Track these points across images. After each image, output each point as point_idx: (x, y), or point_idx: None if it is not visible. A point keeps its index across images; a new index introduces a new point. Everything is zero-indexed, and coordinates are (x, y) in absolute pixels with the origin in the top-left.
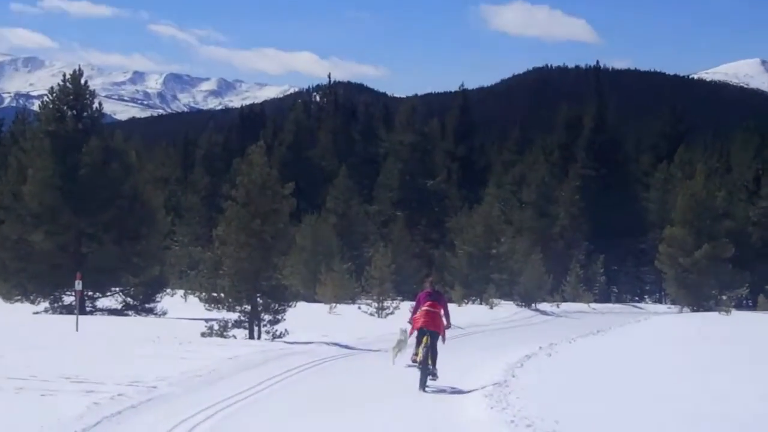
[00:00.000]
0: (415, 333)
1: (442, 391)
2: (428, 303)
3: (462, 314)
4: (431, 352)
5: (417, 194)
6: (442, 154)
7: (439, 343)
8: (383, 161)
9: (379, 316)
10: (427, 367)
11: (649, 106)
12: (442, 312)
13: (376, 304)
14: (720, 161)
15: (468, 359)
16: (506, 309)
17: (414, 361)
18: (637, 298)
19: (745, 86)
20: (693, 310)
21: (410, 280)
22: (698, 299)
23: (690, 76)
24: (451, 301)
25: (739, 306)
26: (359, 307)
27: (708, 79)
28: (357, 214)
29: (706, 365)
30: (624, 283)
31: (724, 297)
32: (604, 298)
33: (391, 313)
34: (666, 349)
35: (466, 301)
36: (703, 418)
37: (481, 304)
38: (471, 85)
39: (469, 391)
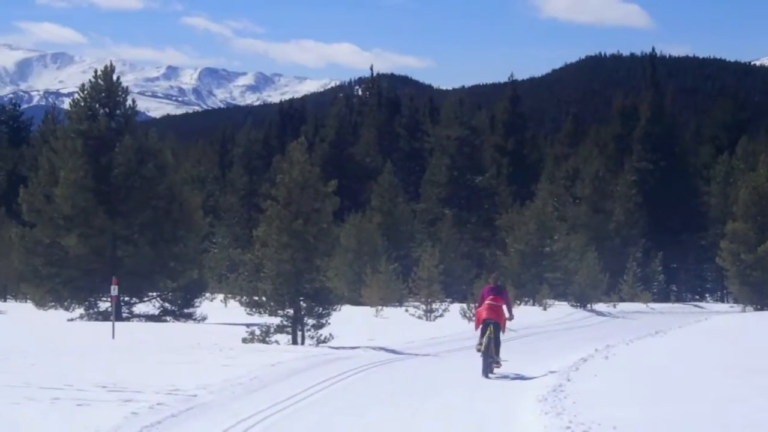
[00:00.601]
0: (480, 327)
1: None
2: (491, 297)
3: (514, 316)
4: (495, 342)
5: (465, 191)
6: (491, 149)
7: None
8: (429, 157)
9: (427, 319)
10: (489, 355)
11: (708, 95)
12: (504, 305)
13: (424, 307)
14: None
15: (521, 363)
16: (560, 310)
17: (478, 350)
18: (697, 297)
19: None
20: (756, 309)
21: (459, 281)
22: (762, 297)
23: (752, 63)
24: None
25: None
26: (406, 310)
27: None
28: (403, 213)
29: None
30: (684, 282)
31: None
32: (663, 298)
33: (441, 315)
34: (727, 349)
35: (518, 302)
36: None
37: (534, 305)
38: (521, 75)
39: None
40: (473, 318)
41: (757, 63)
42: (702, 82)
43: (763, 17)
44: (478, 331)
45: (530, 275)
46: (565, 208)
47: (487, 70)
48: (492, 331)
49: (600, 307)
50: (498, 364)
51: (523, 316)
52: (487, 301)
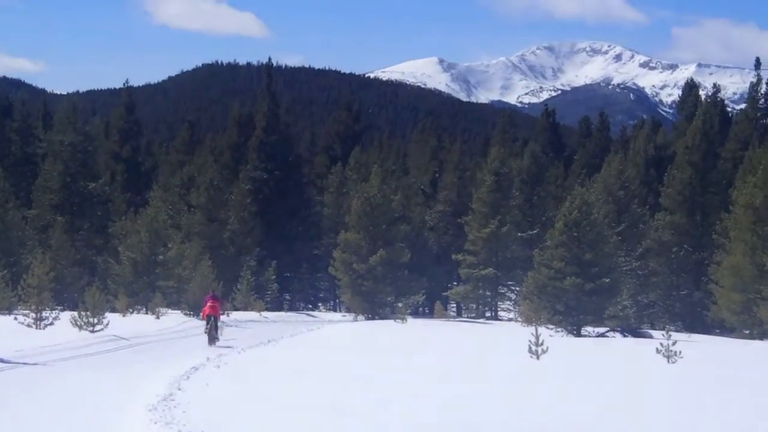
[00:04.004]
0: (205, 319)
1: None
2: (211, 301)
3: (126, 324)
4: (215, 327)
5: (78, 197)
6: (105, 155)
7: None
8: (42, 162)
9: (37, 327)
10: (211, 335)
11: (323, 106)
12: (219, 306)
13: (34, 315)
14: (396, 163)
15: (132, 373)
16: (173, 318)
17: (205, 332)
18: (310, 306)
19: (423, 86)
20: (368, 318)
21: (71, 288)
22: (374, 306)
23: (366, 75)
24: (116, 311)
25: (416, 313)
26: (15, 318)
27: (385, 78)
28: (13, 219)
29: (374, 374)
30: (298, 291)
31: (400, 304)
32: (277, 306)
33: (51, 323)
34: (338, 358)
35: (130, 310)
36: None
37: (146, 313)
38: (137, 81)
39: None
40: (86, 326)
41: (371, 75)
42: (318, 93)
43: (377, 31)
44: (204, 321)
45: (143, 283)
46: (179, 216)
47: (103, 75)
48: (213, 321)
49: None
50: (218, 339)
51: (135, 324)
52: (209, 303)
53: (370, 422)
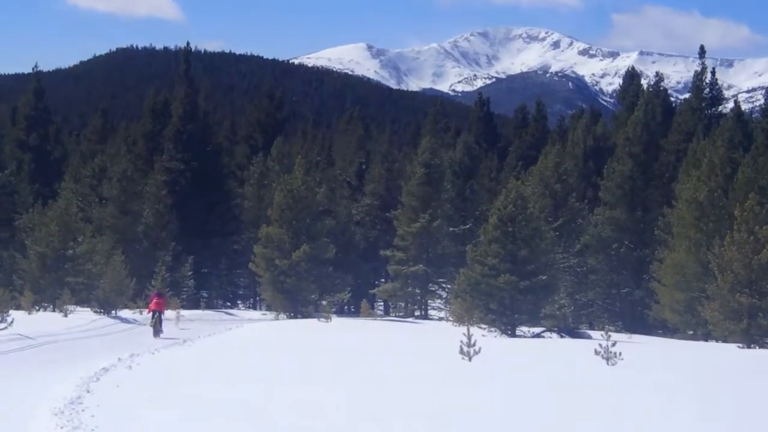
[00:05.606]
0: (151, 313)
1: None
2: (157, 298)
3: (32, 323)
4: (159, 321)
5: None
6: (12, 144)
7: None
8: None
9: None
10: (157, 328)
11: (244, 93)
12: (164, 302)
13: None
14: (321, 154)
15: (37, 374)
16: (83, 316)
17: (151, 326)
18: (229, 304)
19: (350, 72)
20: (290, 317)
21: None
22: (296, 304)
23: (290, 61)
24: (21, 308)
25: (341, 312)
26: None
27: (310, 65)
28: None
29: (300, 377)
30: (216, 288)
31: (325, 302)
32: (193, 304)
33: None
34: (253, 359)
35: (37, 308)
36: None
37: (54, 311)
38: (46, 66)
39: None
40: None
41: (296, 62)
42: (238, 80)
43: (300, 17)
44: (150, 315)
45: (51, 279)
46: (90, 208)
47: (10, 59)
48: (158, 315)
49: (125, 313)
50: (162, 332)
51: (42, 323)
52: (155, 300)
53: (279, 427)
